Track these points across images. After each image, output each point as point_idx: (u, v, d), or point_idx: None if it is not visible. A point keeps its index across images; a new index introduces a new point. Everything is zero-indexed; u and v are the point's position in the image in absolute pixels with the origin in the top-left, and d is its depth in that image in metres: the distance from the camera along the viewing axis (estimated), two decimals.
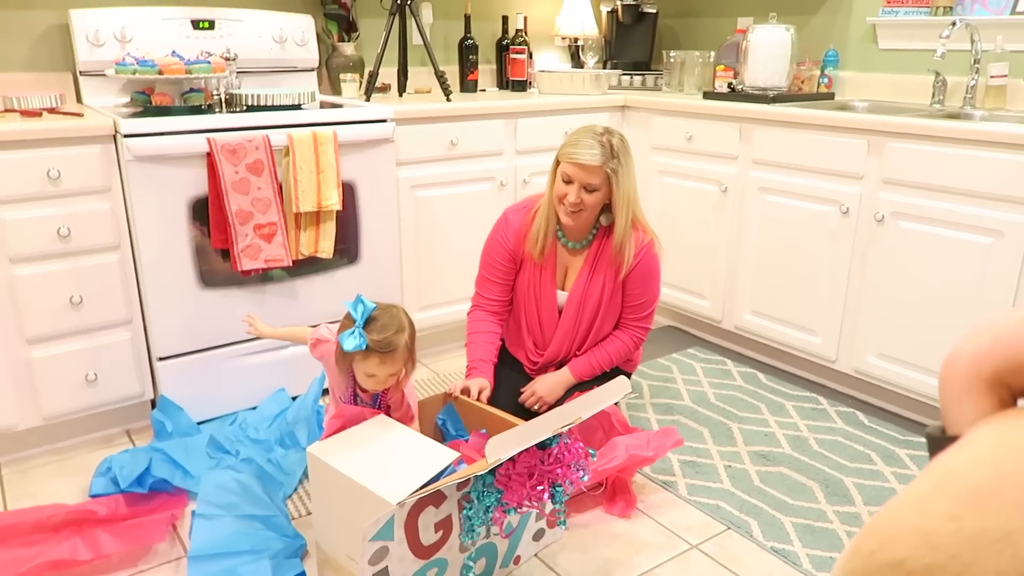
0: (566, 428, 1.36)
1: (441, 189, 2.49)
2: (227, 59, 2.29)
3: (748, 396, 2.44)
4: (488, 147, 2.56)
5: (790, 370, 2.66)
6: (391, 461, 1.39)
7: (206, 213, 2.02)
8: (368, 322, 1.46)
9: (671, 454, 2.07)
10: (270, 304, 2.19)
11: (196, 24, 2.39)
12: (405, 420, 1.62)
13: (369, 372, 1.49)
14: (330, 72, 2.65)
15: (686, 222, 2.76)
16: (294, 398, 2.17)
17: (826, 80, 2.79)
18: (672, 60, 3.07)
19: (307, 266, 2.23)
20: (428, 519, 1.37)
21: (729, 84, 2.76)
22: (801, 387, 2.53)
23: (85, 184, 1.92)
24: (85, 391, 2.04)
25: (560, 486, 1.36)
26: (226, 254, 2.07)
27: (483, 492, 1.32)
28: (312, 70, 2.60)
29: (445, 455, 1.42)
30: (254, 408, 2.19)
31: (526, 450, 1.33)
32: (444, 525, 1.41)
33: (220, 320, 2.12)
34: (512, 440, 1.24)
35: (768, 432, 2.21)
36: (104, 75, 2.25)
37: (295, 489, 1.90)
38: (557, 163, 1.80)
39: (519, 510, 1.34)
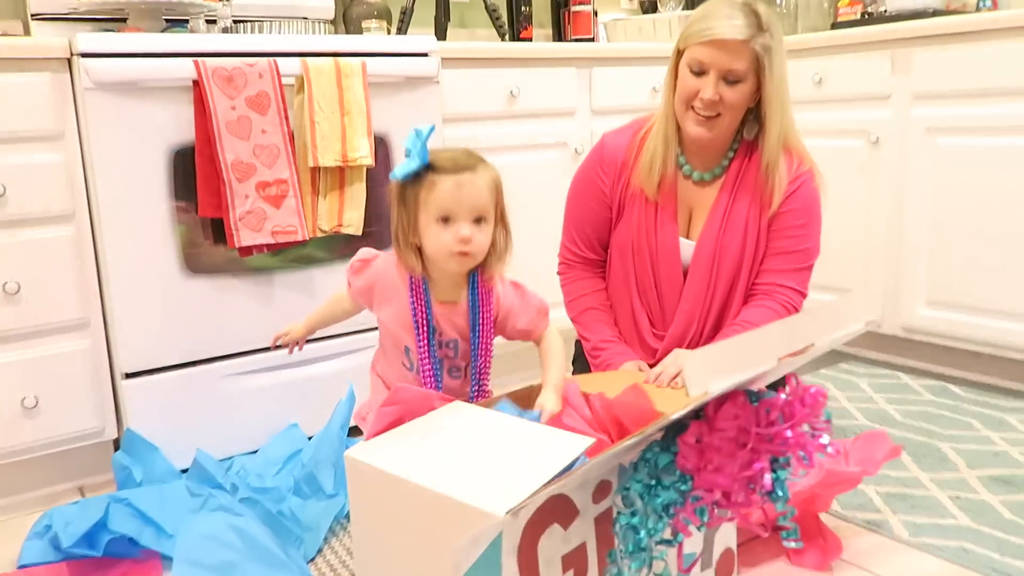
0: (793, 363, 1.07)
1: (500, 155, 2.29)
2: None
3: (948, 411, 2.16)
4: (557, 102, 2.43)
5: (998, 383, 2.35)
6: (483, 460, 1.10)
7: (193, 168, 1.82)
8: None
9: (869, 484, 1.76)
10: (280, 302, 1.97)
11: None
12: (535, 327, 1.47)
13: (447, 214, 1.31)
14: (349, 23, 2.52)
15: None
16: (310, 438, 1.95)
17: (988, 2, 2.50)
18: (778, 5, 2.95)
19: (329, 248, 2.02)
20: (553, 546, 1.02)
21: (863, 14, 2.62)
22: (1018, 397, 2.24)
23: (27, 127, 1.70)
24: (19, 424, 1.77)
25: (784, 467, 0.97)
26: (219, 226, 1.86)
27: (654, 481, 0.91)
28: (327, 21, 2.48)
29: (571, 444, 1.12)
30: (255, 452, 1.96)
31: (729, 397, 1.03)
32: (576, 560, 1.06)
33: (211, 322, 1.89)
34: (715, 362, 0.92)
35: (998, 451, 1.91)
36: (56, 17, 2.09)
37: (319, 550, 1.59)
38: (678, 54, 1.66)
39: (721, 512, 0.93)
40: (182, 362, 1.87)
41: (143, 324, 1.81)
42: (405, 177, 1.32)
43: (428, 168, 1.32)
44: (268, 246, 1.88)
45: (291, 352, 1.60)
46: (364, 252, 1.45)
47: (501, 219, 1.38)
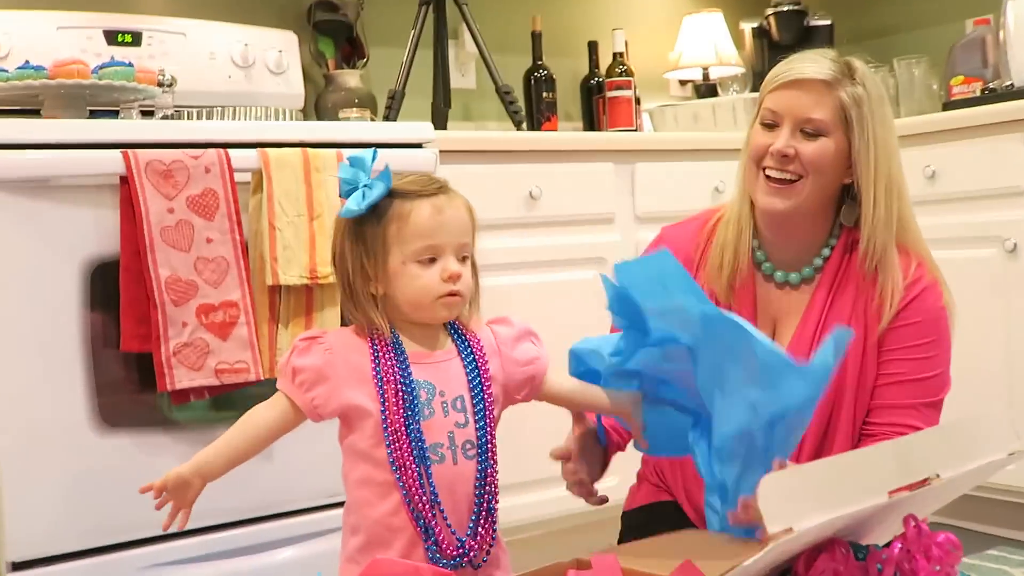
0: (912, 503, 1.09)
1: (515, 274, 2.38)
2: (160, 83, 2.27)
3: None
4: (590, 206, 2.53)
5: None
6: None
7: (115, 288, 1.86)
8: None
9: None
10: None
11: (113, 38, 2.43)
12: (538, 351, 1.51)
13: (430, 247, 1.36)
14: (322, 114, 2.69)
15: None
16: None
17: None
18: None
19: None
20: None
21: (983, 90, 2.74)
22: None
23: None
24: None
25: None
26: (147, 364, 1.88)
27: None
28: (295, 112, 2.60)
29: None
30: None
31: (825, 547, 1.06)
32: None
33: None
34: (802, 488, 0.98)
35: None
36: None
37: None
38: (756, 112, 1.74)
39: None
40: (90, 547, 1.85)
41: (40, 497, 1.80)
42: (359, 211, 1.34)
43: (390, 196, 1.35)
44: (211, 390, 1.89)
45: (170, 526, 1.43)
46: (306, 333, 1.45)
47: (472, 256, 1.44)
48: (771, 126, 1.66)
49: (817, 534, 1.07)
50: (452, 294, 1.35)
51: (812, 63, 1.64)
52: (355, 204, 1.34)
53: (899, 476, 1.08)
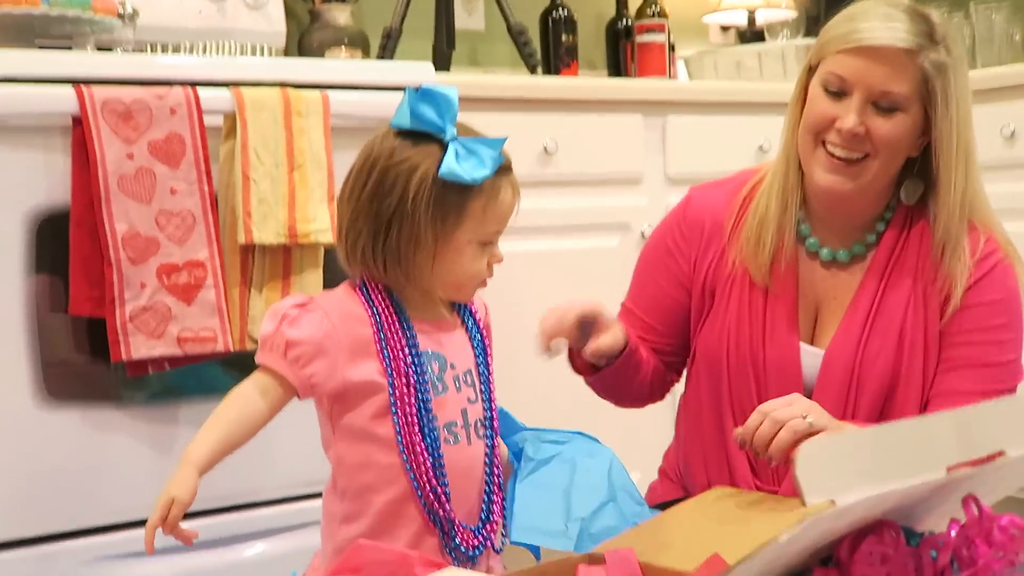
0: (970, 470, 1.10)
1: (527, 240, 2.36)
2: (120, 15, 2.27)
3: None
4: (614, 164, 2.56)
5: None
6: None
7: (65, 244, 1.89)
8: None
9: None
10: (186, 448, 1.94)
11: None
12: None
13: (496, 233, 1.45)
14: (307, 53, 2.71)
15: None
16: None
17: None
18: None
19: None
20: None
21: None
22: None
23: None
24: None
25: None
26: (99, 331, 1.90)
27: None
28: (276, 49, 2.63)
29: None
30: None
31: (873, 529, 1.06)
32: None
33: (81, 475, 1.93)
34: (846, 456, 1.01)
35: None
36: None
37: None
38: (809, 71, 1.72)
39: None
40: (35, 536, 1.88)
41: None
42: (472, 180, 1.36)
43: None
44: (171, 361, 1.91)
45: (184, 539, 1.44)
46: (291, 299, 1.46)
47: None
48: (838, 94, 1.64)
49: (863, 513, 1.08)
50: (484, 281, 1.45)
51: (885, 24, 1.61)
52: (482, 168, 1.36)
53: (960, 450, 1.08)
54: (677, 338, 1.85)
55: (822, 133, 1.64)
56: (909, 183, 1.72)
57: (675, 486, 1.92)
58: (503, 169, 1.41)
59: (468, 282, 1.45)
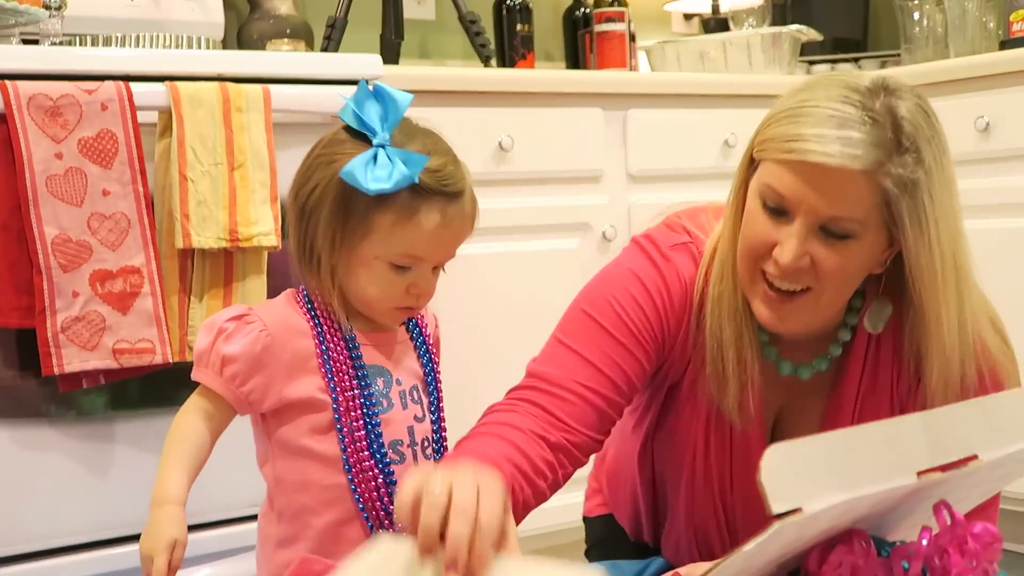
0: (942, 475, 1.11)
1: (481, 242, 2.33)
2: (47, 6, 2.27)
3: None
4: (573, 161, 2.57)
5: None
6: None
7: None
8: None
9: None
10: (123, 466, 2.02)
11: None
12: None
13: (413, 259, 1.39)
14: (246, 46, 2.74)
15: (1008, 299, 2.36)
16: None
17: None
18: (915, 22, 3.21)
19: None
20: None
21: None
22: None
23: None
24: None
25: None
26: (28, 342, 1.91)
27: None
28: (213, 41, 2.60)
29: None
30: None
31: (842, 539, 1.09)
32: None
33: (7, 499, 1.94)
34: (813, 463, 1.02)
35: None
36: None
37: None
38: (750, 162, 1.50)
39: None
40: None
41: None
42: (380, 190, 1.33)
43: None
44: (107, 374, 1.91)
45: None
46: (227, 311, 1.45)
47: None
48: (777, 212, 1.42)
49: (832, 522, 1.07)
50: (408, 309, 1.42)
51: (837, 133, 1.35)
52: (384, 180, 1.33)
53: (930, 455, 1.07)
54: (613, 406, 1.58)
55: (760, 258, 1.45)
56: (875, 308, 1.55)
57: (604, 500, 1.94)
58: (430, 192, 1.36)
59: (377, 304, 1.41)
